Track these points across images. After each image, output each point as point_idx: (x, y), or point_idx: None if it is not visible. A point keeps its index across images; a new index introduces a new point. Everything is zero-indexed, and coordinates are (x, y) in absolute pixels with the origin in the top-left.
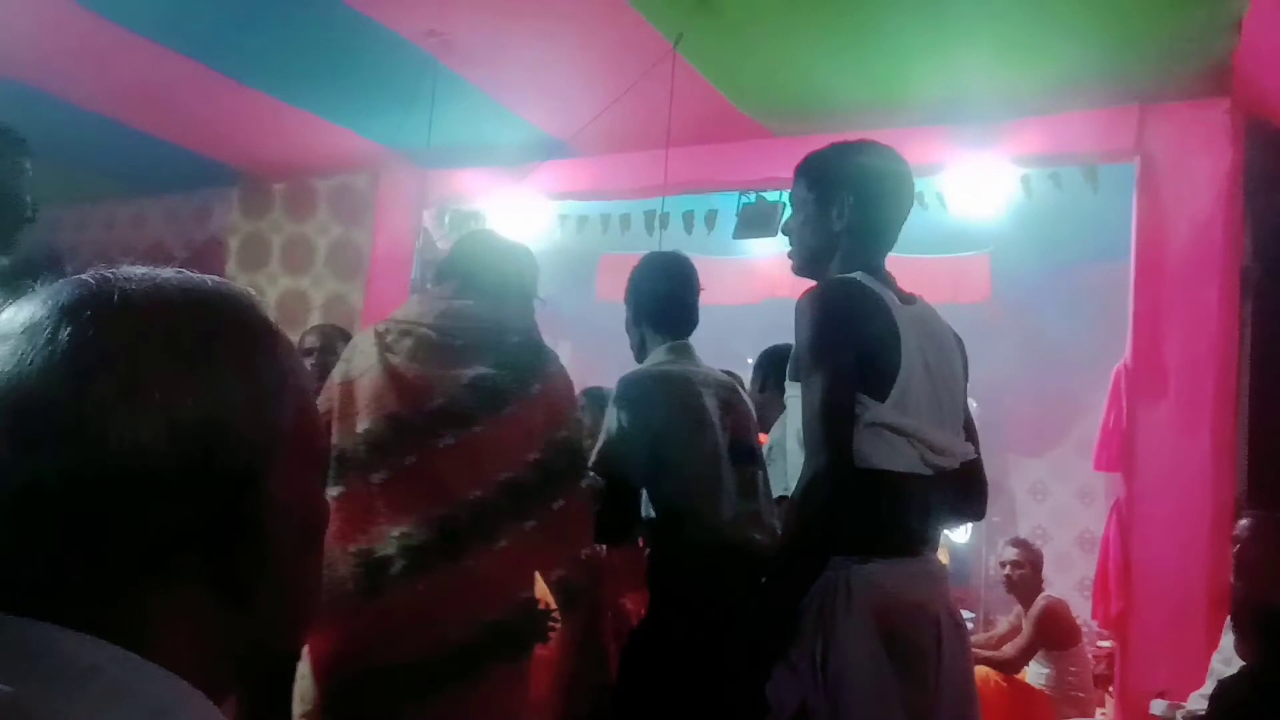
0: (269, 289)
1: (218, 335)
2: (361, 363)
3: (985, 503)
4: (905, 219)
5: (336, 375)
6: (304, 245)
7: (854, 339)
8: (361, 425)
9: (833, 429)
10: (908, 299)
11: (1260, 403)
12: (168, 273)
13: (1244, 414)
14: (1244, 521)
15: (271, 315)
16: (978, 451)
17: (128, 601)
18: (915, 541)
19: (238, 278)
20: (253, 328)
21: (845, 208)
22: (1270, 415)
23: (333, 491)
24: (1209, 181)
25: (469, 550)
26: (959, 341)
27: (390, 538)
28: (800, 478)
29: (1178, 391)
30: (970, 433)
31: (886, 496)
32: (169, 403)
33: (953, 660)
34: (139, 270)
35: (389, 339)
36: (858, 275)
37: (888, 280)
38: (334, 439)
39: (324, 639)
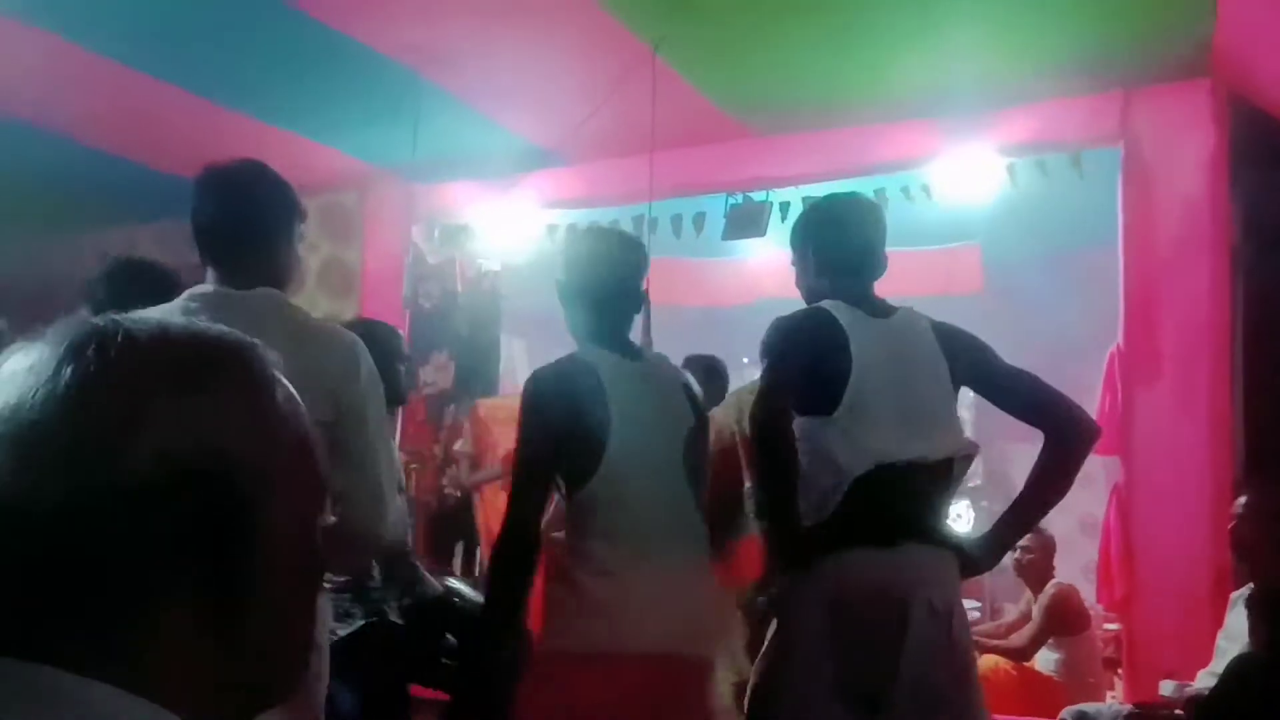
0: None
1: (220, 371)
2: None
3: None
4: (873, 248)
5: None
6: None
7: (793, 363)
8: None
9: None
10: (885, 312)
11: (1255, 380)
12: (176, 319)
13: (1239, 392)
14: (1242, 499)
15: (275, 366)
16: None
17: (119, 635)
18: (886, 531)
19: None
20: (256, 369)
21: (809, 257)
22: (1265, 392)
23: None
24: (1194, 162)
25: None
26: (954, 340)
27: None
28: None
29: (1172, 373)
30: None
31: (848, 493)
32: (168, 432)
33: (921, 647)
34: (148, 315)
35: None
36: (824, 303)
37: (863, 301)
38: None
39: None
